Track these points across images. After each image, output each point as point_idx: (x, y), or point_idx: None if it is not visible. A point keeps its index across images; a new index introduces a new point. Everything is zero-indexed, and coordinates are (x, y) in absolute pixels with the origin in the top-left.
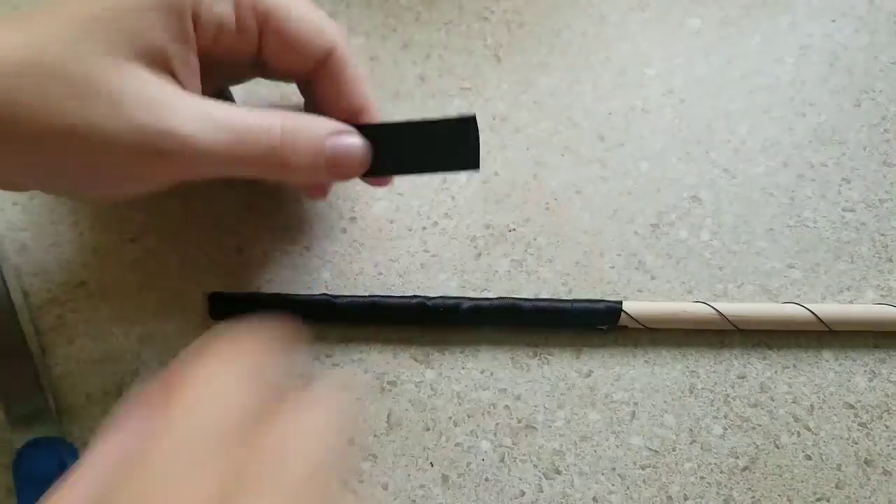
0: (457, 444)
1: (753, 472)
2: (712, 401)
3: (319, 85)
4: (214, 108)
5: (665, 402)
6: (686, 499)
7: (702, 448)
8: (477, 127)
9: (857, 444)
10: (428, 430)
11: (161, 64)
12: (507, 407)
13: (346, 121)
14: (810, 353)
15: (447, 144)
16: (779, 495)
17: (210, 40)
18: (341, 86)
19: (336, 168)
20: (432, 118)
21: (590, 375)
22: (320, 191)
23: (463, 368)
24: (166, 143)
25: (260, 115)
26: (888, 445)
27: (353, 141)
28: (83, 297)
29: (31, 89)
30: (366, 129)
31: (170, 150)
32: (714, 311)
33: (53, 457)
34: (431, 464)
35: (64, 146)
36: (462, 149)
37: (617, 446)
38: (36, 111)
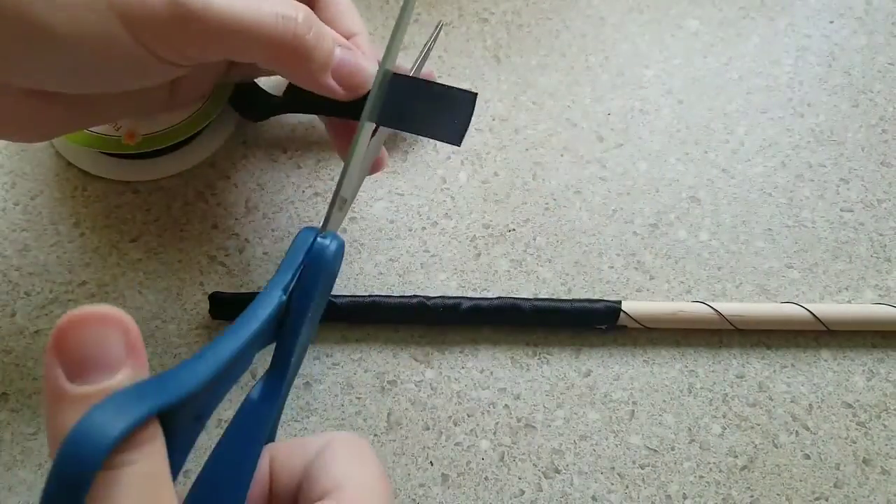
0: (456, 444)
1: (752, 472)
2: (711, 400)
3: (316, 12)
4: None
5: (664, 401)
6: (685, 498)
7: (700, 447)
8: (474, 106)
9: (855, 443)
10: (428, 429)
11: None
12: (506, 406)
13: None
14: (809, 352)
15: (442, 112)
16: (777, 494)
17: None
18: (335, 13)
19: (342, 75)
20: (436, 82)
21: (589, 375)
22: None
23: (463, 368)
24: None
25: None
26: (886, 445)
27: (362, 59)
28: (84, 296)
29: None
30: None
31: (189, 7)
32: (713, 311)
33: None
34: (431, 463)
35: (90, 13)
36: (454, 122)
37: (616, 445)
38: None
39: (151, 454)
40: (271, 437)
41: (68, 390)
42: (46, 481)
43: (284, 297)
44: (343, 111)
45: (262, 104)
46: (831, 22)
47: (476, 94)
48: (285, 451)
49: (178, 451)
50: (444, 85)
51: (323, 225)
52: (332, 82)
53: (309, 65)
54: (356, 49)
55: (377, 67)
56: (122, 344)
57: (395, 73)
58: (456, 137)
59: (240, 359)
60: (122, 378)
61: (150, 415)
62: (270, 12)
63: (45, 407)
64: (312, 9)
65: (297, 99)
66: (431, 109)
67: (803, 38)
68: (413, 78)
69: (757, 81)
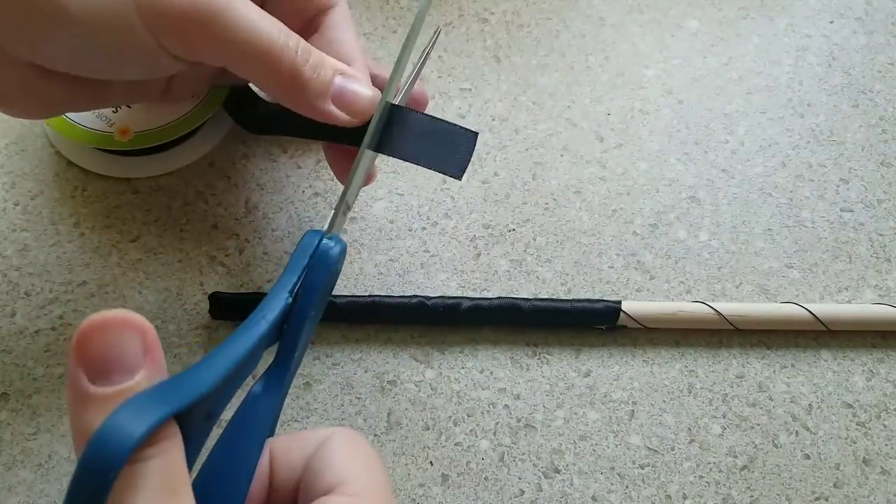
0: (456, 444)
1: (752, 472)
2: (711, 400)
3: (315, 37)
4: None
5: (664, 401)
6: (685, 498)
7: (700, 447)
8: (475, 145)
9: (855, 443)
10: (428, 429)
11: None
12: (506, 406)
13: None
14: (809, 352)
15: (444, 147)
16: (777, 494)
17: None
18: (332, 38)
19: (342, 102)
20: (439, 118)
21: (589, 375)
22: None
23: (462, 368)
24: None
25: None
26: (886, 445)
27: (362, 86)
28: (84, 296)
29: None
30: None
31: (209, 6)
32: (712, 311)
33: None
34: (431, 463)
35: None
36: (456, 157)
37: (616, 445)
38: None
39: (170, 450)
40: (271, 433)
41: (90, 391)
42: (73, 477)
43: (290, 300)
44: (341, 137)
45: (259, 114)
46: (831, 22)
47: (477, 133)
48: (284, 446)
49: (192, 447)
50: (446, 121)
51: (328, 228)
52: (332, 109)
53: (303, 93)
54: (357, 76)
55: (375, 91)
56: (140, 346)
57: (394, 105)
58: (457, 171)
59: (248, 360)
60: (140, 379)
61: (168, 415)
62: (283, 42)
63: (69, 407)
64: (313, 33)
65: (294, 120)
66: (432, 143)
67: (803, 38)
68: (416, 112)
69: (757, 81)
